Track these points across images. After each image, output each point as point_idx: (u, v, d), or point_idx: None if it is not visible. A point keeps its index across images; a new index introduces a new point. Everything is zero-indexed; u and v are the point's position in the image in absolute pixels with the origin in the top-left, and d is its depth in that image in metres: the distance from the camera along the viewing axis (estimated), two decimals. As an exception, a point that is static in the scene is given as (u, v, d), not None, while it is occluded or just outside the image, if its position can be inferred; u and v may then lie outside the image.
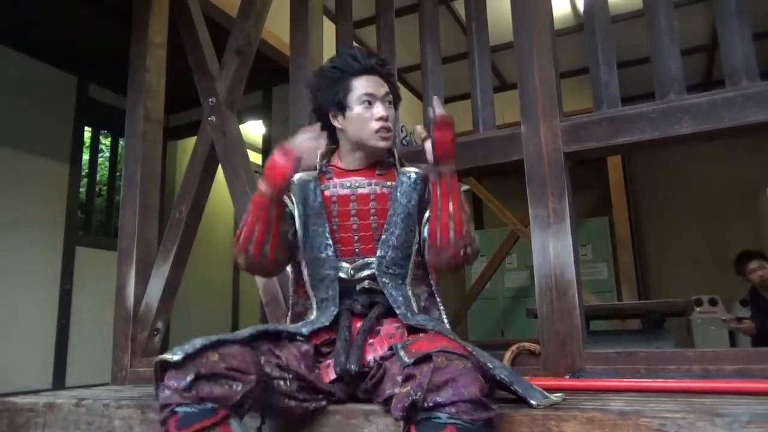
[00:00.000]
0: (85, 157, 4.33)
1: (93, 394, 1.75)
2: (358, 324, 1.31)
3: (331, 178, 1.43)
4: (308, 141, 1.32)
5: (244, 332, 1.16)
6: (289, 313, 1.47)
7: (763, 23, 4.01)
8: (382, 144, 1.39)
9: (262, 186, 1.29)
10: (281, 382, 1.15)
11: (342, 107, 1.40)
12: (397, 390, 1.07)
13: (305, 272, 1.40)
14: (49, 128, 3.88)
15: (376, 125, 1.37)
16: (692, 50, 4.77)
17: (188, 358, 1.03)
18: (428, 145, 1.30)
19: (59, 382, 3.71)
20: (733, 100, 1.54)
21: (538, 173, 1.70)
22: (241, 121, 4.12)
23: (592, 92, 1.76)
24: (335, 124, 1.44)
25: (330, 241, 1.37)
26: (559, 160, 1.69)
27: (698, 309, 4.76)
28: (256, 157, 4.69)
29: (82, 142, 4.18)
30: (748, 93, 1.53)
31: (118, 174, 4.55)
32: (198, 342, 1.07)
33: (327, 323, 1.30)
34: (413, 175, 1.41)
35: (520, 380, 1.14)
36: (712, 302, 4.83)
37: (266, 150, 4.48)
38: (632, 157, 5.78)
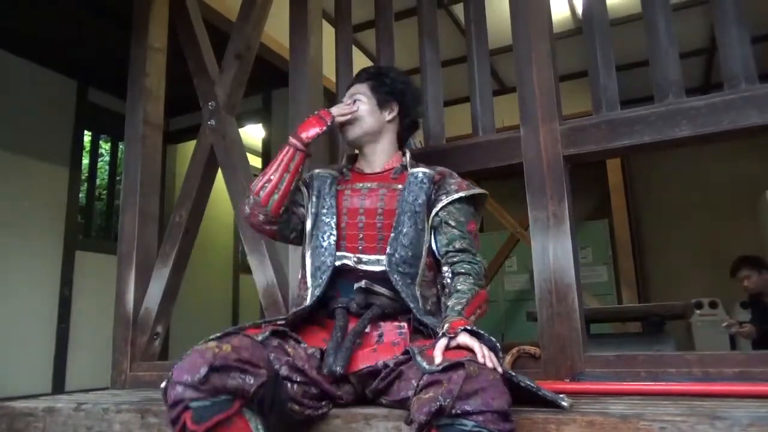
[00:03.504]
0: (85, 161, 4.34)
1: (92, 398, 1.74)
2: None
3: (348, 180, 1.53)
4: (344, 108, 1.50)
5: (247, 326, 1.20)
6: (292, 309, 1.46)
7: (761, 26, 4.02)
8: (344, 136, 1.56)
9: (291, 138, 1.43)
10: (288, 384, 1.15)
11: None
12: (411, 393, 1.08)
13: (308, 261, 1.44)
14: (49, 132, 3.89)
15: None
16: (691, 53, 4.78)
17: (196, 352, 1.03)
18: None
19: (59, 386, 3.71)
20: (732, 103, 1.54)
21: (537, 176, 1.71)
22: (241, 125, 4.12)
23: (590, 95, 1.76)
24: None
25: (334, 231, 1.41)
26: (558, 163, 1.69)
27: (698, 312, 4.75)
28: (255, 161, 4.69)
29: (82, 147, 4.19)
30: (746, 96, 1.53)
31: (117, 178, 4.56)
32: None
33: (308, 307, 1.33)
34: (420, 175, 1.46)
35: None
36: (713, 305, 4.82)
37: (266, 153, 4.48)
38: (632, 159, 5.78)
